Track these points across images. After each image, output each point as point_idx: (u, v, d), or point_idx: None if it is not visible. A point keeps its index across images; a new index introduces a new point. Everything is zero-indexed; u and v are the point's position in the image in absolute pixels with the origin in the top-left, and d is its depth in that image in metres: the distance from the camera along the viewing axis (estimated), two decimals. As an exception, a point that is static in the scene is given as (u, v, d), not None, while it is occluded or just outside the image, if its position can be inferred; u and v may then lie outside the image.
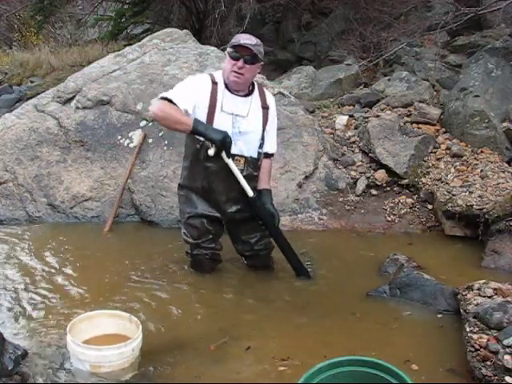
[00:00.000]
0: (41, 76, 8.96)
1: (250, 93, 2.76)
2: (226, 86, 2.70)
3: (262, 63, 2.74)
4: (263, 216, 2.79)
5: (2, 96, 7.70)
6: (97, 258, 3.16)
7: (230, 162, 2.65)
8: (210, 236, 2.83)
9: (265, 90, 2.89)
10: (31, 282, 2.77)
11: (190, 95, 2.64)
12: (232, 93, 2.70)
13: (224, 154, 2.62)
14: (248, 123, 2.71)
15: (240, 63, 2.59)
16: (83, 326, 2.11)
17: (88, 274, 2.89)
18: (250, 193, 2.72)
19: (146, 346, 2.09)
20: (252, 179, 2.76)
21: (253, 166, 2.77)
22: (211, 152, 2.60)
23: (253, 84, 2.79)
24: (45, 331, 2.26)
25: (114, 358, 1.94)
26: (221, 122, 2.65)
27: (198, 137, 2.66)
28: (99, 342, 2.07)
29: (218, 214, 2.81)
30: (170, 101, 2.59)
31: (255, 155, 2.77)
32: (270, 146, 2.86)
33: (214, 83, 2.69)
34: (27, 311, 2.45)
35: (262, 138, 2.78)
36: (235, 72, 2.61)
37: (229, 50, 2.65)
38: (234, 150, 2.67)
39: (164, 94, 2.65)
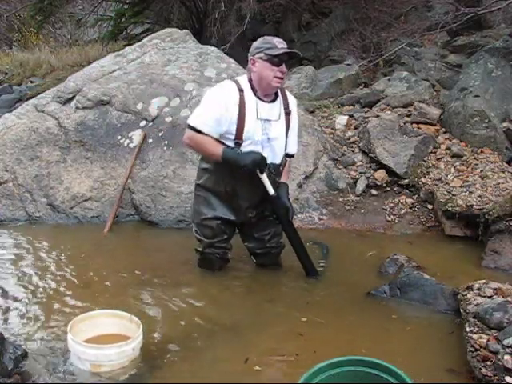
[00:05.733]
0: (41, 76, 8.96)
1: (275, 97, 2.73)
2: (255, 94, 2.65)
3: None
4: (277, 208, 2.77)
5: (2, 96, 7.70)
6: (97, 257, 3.16)
7: (263, 178, 2.65)
8: (225, 236, 2.83)
9: (286, 92, 2.85)
10: (31, 282, 2.78)
11: (218, 120, 2.58)
12: (262, 100, 2.66)
13: (258, 172, 2.63)
14: (276, 128, 2.70)
15: (284, 68, 2.60)
16: (84, 326, 2.11)
17: (88, 274, 2.88)
18: (272, 191, 2.71)
19: (147, 345, 2.10)
20: (274, 184, 2.74)
21: (275, 172, 2.75)
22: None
23: None
24: (45, 331, 2.26)
25: (115, 357, 1.95)
26: (252, 130, 2.62)
27: (226, 142, 2.63)
28: (100, 341, 2.07)
29: (234, 218, 2.80)
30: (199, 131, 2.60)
31: (278, 161, 2.76)
32: (291, 147, 2.85)
33: (240, 90, 2.64)
34: (27, 311, 2.45)
35: (286, 144, 2.78)
36: (278, 78, 2.59)
37: (265, 56, 2.58)
38: None
39: (192, 123, 2.63)
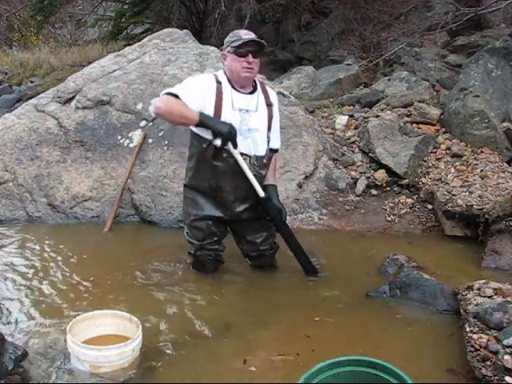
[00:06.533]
0: (41, 76, 8.95)
1: (254, 89, 2.77)
2: (232, 86, 2.69)
3: None
4: (269, 210, 2.77)
5: (2, 96, 7.70)
6: (97, 258, 3.16)
7: (236, 153, 2.63)
8: (215, 238, 2.83)
9: (267, 87, 2.89)
10: (31, 282, 2.78)
11: (196, 93, 2.62)
12: (238, 91, 2.70)
13: (230, 145, 2.61)
14: (256, 119, 2.72)
15: (250, 58, 2.61)
16: (83, 326, 2.11)
17: (88, 274, 2.88)
18: (261, 193, 2.72)
19: (146, 346, 2.10)
20: (259, 178, 2.75)
21: (259, 164, 2.75)
22: (218, 142, 2.60)
23: (254, 81, 2.80)
24: (45, 331, 2.26)
25: (114, 358, 1.94)
26: (229, 120, 2.64)
27: (204, 136, 2.64)
28: (99, 342, 2.07)
29: (223, 215, 2.79)
30: (176, 96, 2.59)
31: (262, 153, 2.76)
32: (275, 142, 2.86)
33: (219, 82, 2.69)
34: (27, 311, 2.45)
35: (268, 136, 2.78)
36: (247, 68, 2.62)
37: (231, 49, 2.63)
38: (241, 149, 2.66)
39: (169, 90, 2.64)
